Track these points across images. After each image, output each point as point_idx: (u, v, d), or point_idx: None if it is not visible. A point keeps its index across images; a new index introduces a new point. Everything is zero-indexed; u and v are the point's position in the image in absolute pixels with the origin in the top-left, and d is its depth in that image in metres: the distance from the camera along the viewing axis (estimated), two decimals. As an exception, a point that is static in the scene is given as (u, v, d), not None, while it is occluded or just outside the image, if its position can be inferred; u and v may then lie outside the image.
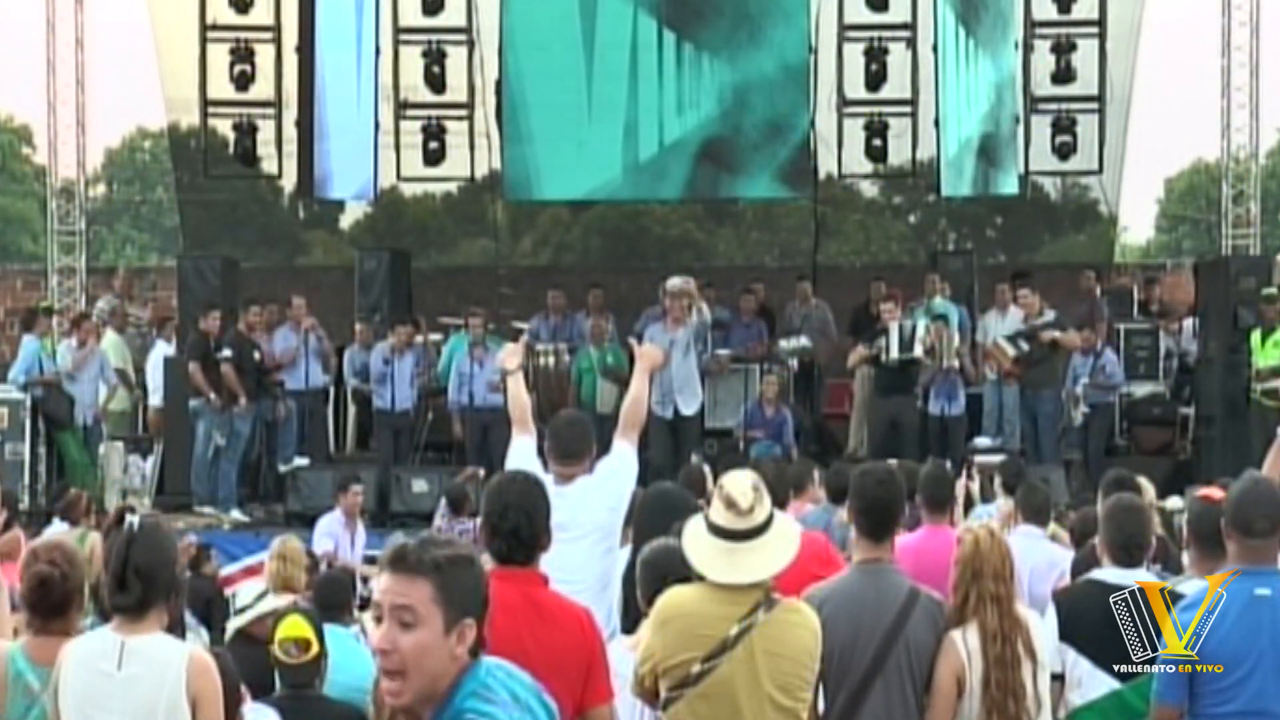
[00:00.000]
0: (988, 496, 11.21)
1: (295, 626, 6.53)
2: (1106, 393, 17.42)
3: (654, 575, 5.67)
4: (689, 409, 16.58)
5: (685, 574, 5.41)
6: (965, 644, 5.74)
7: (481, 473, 15.25)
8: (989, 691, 5.69)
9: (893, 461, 10.97)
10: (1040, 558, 8.20)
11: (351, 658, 7.16)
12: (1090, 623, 5.97)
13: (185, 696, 4.99)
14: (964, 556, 5.84)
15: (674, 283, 16.91)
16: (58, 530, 11.37)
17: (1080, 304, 18.67)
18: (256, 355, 17.00)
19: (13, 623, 5.96)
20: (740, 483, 5.32)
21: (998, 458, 13.74)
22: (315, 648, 6.54)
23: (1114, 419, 17.70)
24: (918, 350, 16.51)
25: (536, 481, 5.52)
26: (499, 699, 3.46)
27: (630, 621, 6.02)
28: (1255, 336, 16.92)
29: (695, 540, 5.32)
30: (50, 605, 5.31)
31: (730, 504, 5.26)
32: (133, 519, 5.10)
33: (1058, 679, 5.96)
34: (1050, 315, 17.25)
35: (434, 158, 20.14)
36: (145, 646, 5.03)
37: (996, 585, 5.76)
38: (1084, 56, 19.49)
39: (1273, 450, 8.05)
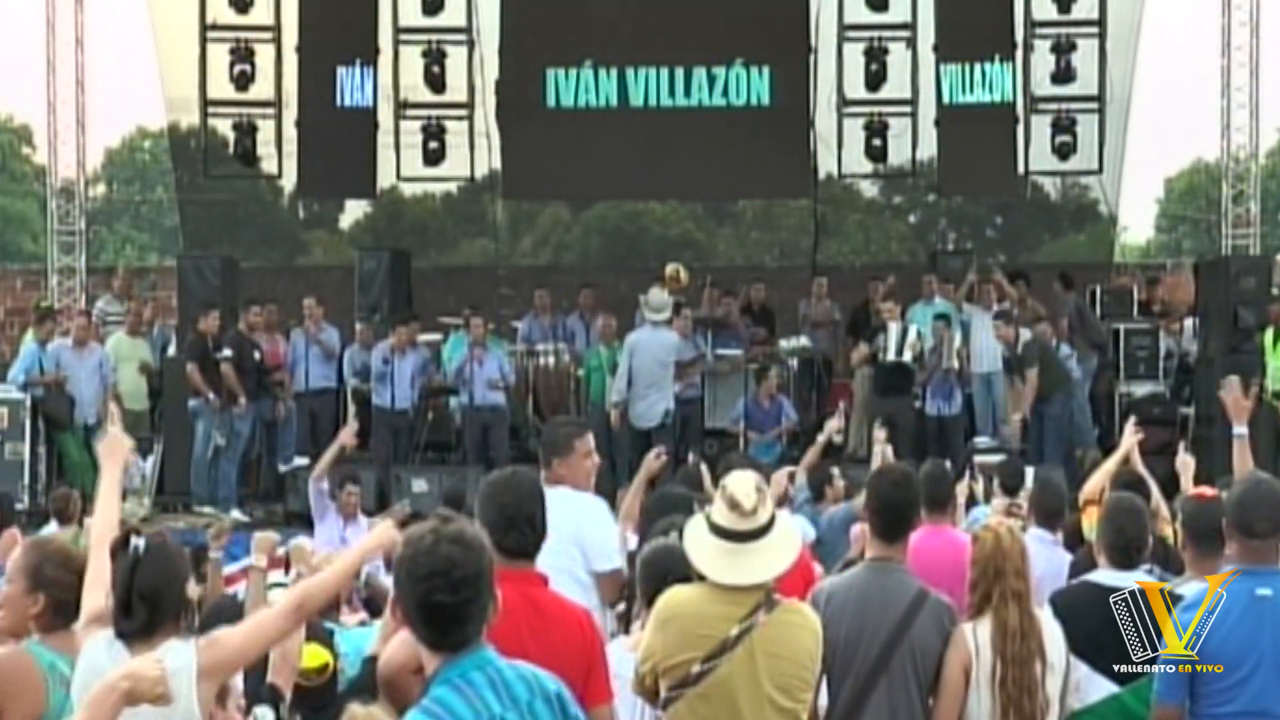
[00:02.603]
0: (991, 497, 11.16)
1: (316, 655, 6.50)
2: None
3: (654, 575, 5.67)
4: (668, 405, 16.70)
5: (685, 574, 5.40)
6: (975, 637, 5.75)
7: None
8: (1005, 688, 5.69)
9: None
10: (1047, 569, 7.55)
11: (356, 636, 7.32)
12: (1088, 625, 5.95)
13: (196, 697, 4.86)
14: (985, 554, 5.84)
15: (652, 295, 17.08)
16: (52, 530, 11.36)
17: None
18: (256, 355, 17.00)
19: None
20: (743, 483, 5.31)
21: (997, 457, 13.72)
22: (331, 665, 6.60)
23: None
24: (906, 355, 16.61)
25: (534, 481, 5.52)
26: (470, 694, 3.52)
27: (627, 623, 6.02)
28: (1267, 336, 16.89)
29: (697, 540, 5.31)
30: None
31: (733, 505, 5.24)
32: (138, 541, 4.82)
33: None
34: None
35: (434, 158, 20.11)
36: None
37: (1017, 582, 5.77)
38: (1084, 56, 19.46)
39: (1237, 449, 8.01)
